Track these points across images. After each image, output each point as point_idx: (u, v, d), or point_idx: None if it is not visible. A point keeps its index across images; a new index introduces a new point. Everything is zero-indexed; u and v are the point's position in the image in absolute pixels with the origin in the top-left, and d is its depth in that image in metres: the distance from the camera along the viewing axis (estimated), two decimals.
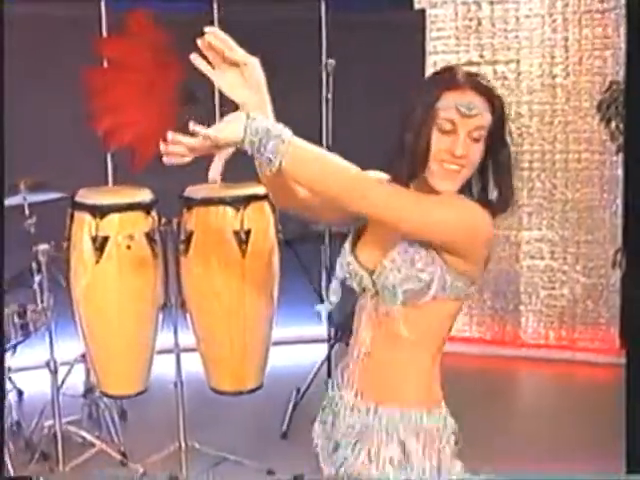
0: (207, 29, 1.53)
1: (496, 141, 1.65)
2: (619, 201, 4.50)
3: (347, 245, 1.74)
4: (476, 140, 1.62)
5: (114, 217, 3.06)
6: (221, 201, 3.06)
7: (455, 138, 1.60)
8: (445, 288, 1.63)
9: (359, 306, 1.75)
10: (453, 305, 1.67)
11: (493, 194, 1.67)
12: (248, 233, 3.01)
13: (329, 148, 3.35)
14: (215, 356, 3.13)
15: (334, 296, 1.74)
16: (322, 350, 3.86)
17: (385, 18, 4.67)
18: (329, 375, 3.39)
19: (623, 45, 4.34)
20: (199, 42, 1.52)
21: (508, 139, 1.67)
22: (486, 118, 1.62)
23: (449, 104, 1.60)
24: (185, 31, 4.23)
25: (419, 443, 1.67)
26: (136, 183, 3.39)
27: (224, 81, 1.56)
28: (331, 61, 3.37)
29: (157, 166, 4.39)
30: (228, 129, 1.49)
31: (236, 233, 3.01)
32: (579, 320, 4.69)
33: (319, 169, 1.53)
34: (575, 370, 4.60)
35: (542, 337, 4.76)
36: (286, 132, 1.50)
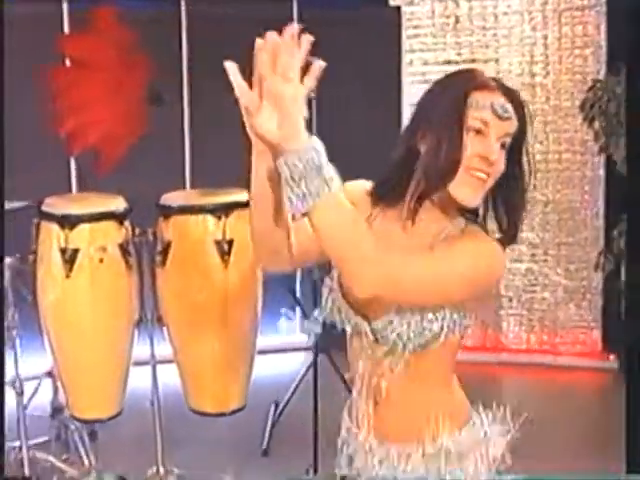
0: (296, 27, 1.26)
1: (515, 155, 1.49)
2: (601, 202, 4.43)
3: (334, 284, 1.55)
4: (503, 147, 1.47)
5: (85, 228, 2.86)
6: (201, 209, 2.88)
7: (486, 141, 1.44)
8: (454, 330, 1.51)
9: (353, 347, 1.58)
10: (459, 336, 1.55)
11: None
12: (231, 243, 2.84)
13: None
14: (196, 375, 2.95)
15: (316, 327, 1.59)
16: (302, 359, 3.74)
17: (359, 15, 4.54)
18: (315, 388, 3.23)
19: (604, 43, 4.28)
20: (272, 39, 1.23)
21: (525, 159, 1.50)
22: (513, 125, 1.47)
23: (484, 103, 1.44)
24: (151, 29, 4.21)
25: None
26: (107, 190, 3.20)
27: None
28: (314, 59, 3.20)
29: (130, 172, 4.25)
30: (283, 127, 1.24)
31: (218, 243, 2.84)
32: (561, 324, 4.61)
33: (346, 232, 1.32)
34: (557, 374, 4.54)
35: (523, 341, 4.67)
36: (335, 180, 1.29)
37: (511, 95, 1.47)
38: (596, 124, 4.05)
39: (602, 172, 4.39)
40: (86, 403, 2.98)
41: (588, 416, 4.05)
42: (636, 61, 1.30)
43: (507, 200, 1.50)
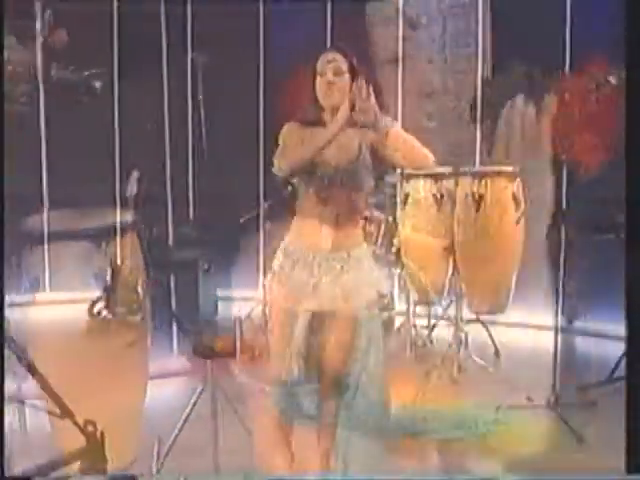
0: None
1: None
2: None
3: None
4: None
5: None
6: (78, 235, 2.51)
7: None
8: None
9: None
10: None
11: None
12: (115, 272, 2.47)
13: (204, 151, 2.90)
14: (73, 440, 2.49)
15: None
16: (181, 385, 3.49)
17: (230, 10, 4.30)
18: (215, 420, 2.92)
19: (488, 41, 4.18)
20: None
21: None
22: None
23: None
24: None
25: None
26: None
27: None
28: (195, 54, 2.86)
29: None
30: None
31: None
32: None
33: None
34: None
35: None
36: None
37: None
38: (484, 125, 3.97)
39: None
40: None
41: None
42: (636, 61, 1.20)
43: None
